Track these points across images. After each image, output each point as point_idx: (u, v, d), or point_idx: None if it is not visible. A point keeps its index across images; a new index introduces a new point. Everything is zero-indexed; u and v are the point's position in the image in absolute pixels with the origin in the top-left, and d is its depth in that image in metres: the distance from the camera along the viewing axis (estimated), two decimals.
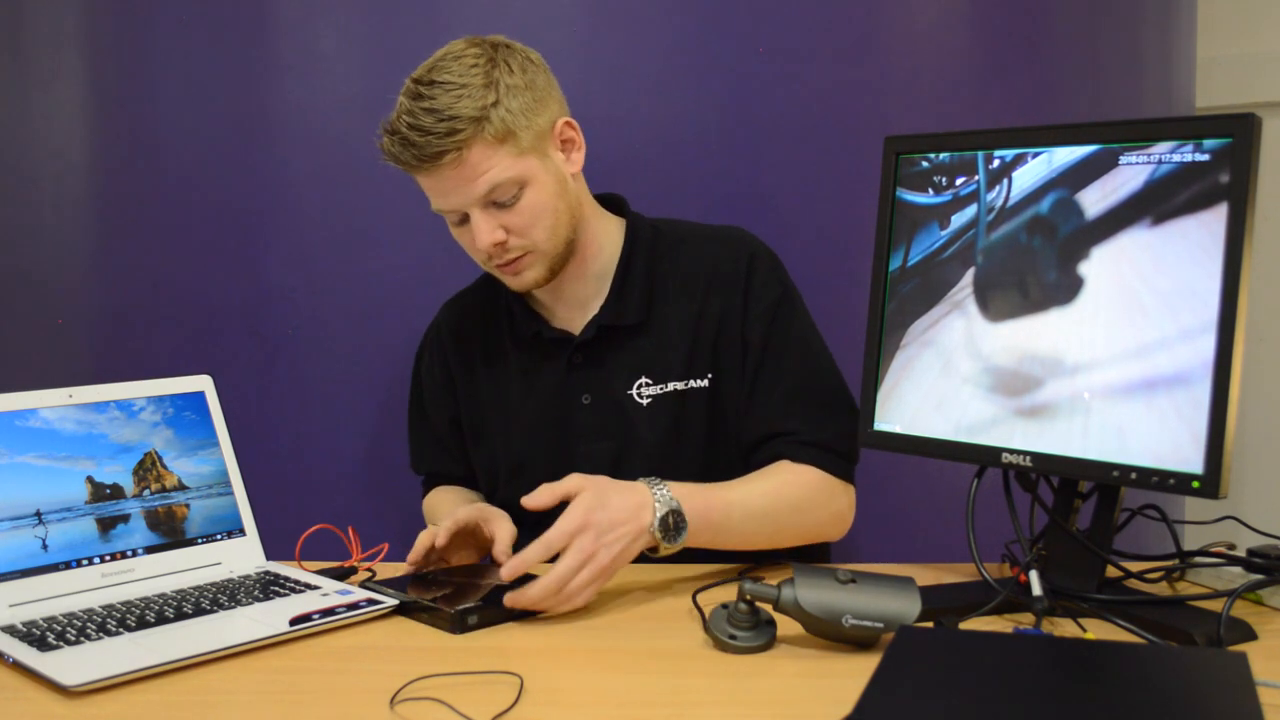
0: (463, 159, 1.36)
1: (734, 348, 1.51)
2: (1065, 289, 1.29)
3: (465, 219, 1.43)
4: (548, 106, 1.43)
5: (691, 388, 1.50)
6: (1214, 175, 1.18)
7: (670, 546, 1.31)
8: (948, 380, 1.37)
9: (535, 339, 1.54)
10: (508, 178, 1.38)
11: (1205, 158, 1.19)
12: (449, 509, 1.49)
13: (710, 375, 1.51)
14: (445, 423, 1.66)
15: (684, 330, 1.51)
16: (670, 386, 1.50)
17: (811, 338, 1.54)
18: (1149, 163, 1.23)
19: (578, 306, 1.54)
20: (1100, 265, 1.26)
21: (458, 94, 1.35)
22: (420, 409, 1.71)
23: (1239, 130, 1.17)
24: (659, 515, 1.29)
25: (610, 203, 1.59)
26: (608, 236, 1.54)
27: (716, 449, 1.53)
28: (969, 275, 1.37)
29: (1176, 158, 1.21)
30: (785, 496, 1.44)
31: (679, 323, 1.51)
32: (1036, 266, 1.31)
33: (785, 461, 1.47)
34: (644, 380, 1.49)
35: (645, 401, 1.49)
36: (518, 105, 1.38)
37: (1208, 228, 1.18)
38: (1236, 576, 1.33)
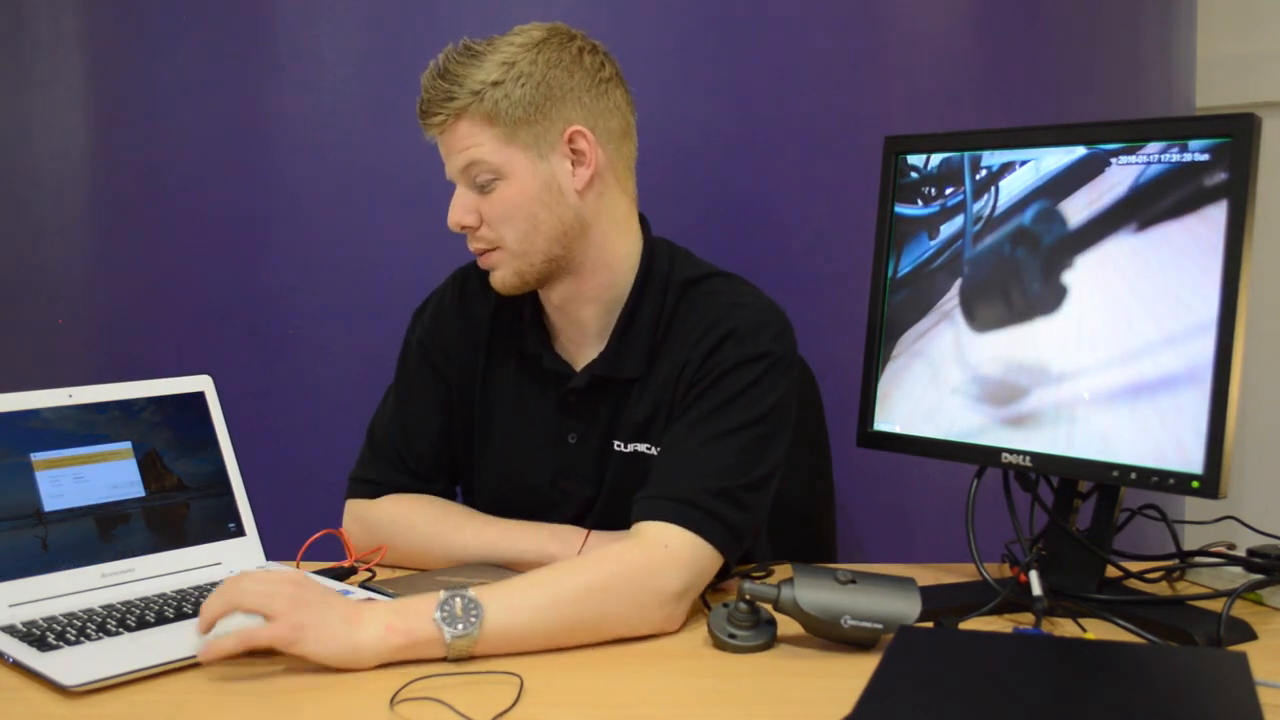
0: (452, 127, 1.35)
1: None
2: (1050, 298, 1.29)
3: None
4: (562, 108, 1.36)
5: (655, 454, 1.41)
6: (1213, 175, 1.18)
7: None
8: (937, 390, 1.38)
9: (536, 360, 1.47)
10: (485, 161, 1.35)
11: (1204, 158, 1.19)
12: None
13: None
14: (437, 403, 1.52)
15: (667, 392, 1.41)
16: (637, 448, 1.42)
17: (743, 431, 1.32)
18: (1146, 163, 1.23)
19: (583, 335, 1.45)
20: (1088, 271, 1.26)
21: (476, 64, 1.34)
22: (410, 382, 1.54)
23: (1238, 130, 1.17)
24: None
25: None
26: (625, 265, 1.42)
27: None
28: (956, 286, 1.37)
29: (1174, 158, 1.21)
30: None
31: (665, 383, 1.41)
32: (1021, 276, 1.31)
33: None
34: (623, 435, 1.43)
35: (620, 455, 1.43)
36: (520, 95, 1.34)
37: (1207, 227, 1.18)
38: (1236, 576, 1.33)
